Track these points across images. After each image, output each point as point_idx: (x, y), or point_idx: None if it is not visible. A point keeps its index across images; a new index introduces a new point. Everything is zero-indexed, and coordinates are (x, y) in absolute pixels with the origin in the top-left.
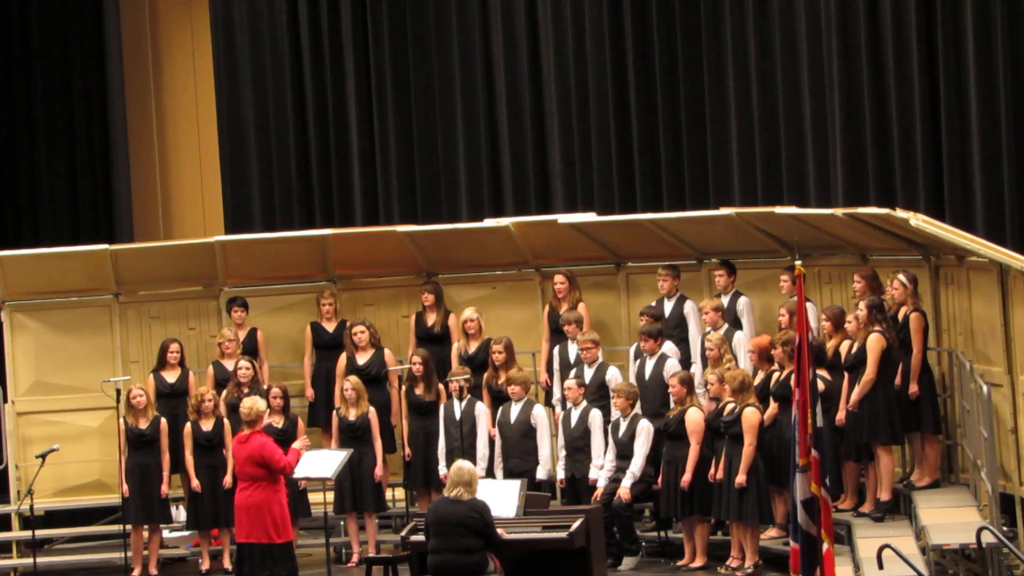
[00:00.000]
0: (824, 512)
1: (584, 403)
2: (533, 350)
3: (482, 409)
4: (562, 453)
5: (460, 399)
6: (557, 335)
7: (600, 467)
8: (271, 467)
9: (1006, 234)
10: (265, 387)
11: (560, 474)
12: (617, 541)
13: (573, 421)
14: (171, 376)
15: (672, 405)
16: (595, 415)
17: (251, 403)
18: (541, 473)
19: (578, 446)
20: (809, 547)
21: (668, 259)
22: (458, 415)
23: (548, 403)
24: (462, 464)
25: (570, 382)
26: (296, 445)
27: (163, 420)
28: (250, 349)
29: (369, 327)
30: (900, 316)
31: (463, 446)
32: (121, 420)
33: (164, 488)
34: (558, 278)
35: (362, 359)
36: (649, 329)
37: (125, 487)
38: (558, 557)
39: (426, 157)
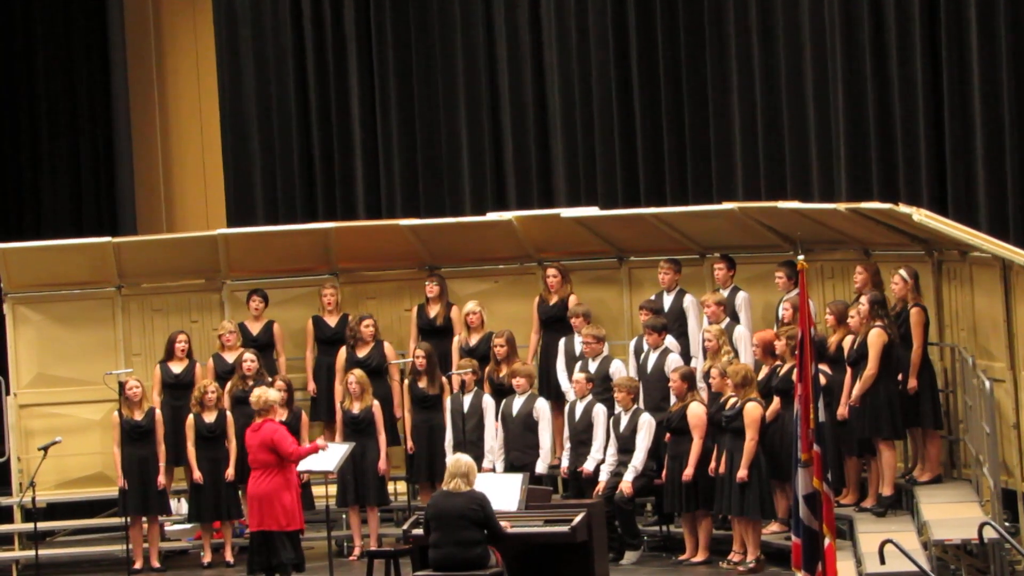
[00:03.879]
0: (826, 507)
1: (589, 397)
2: None
3: (489, 402)
4: (567, 445)
5: (465, 392)
6: (546, 327)
7: (600, 461)
8: (278, 451)
9: (1009, 229)
10: (269, 379)
11: (564, 464)
12: (619, 535)
13: (578, 414)
14: (177, 367)
15: (673, 400)
16: (599, 409)
17: (260, 392)
18: (541, 467)
19: (582, 439)
20: (811, 542)
21: (670, 253)
22: (465, 408)
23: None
24: (459, 456)
25: (578, 375)
26: (318, 442)
27: (158, 412)
28: (266, 341)
29: (375, 322)
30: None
31: (470, 439)
32: (115, 413)
33: (161, 479)
34: (551, 271)
35: (362, 352)
36: (653, 323)
37: (122, 479)
38: (560, 551)
39: (429, 150)
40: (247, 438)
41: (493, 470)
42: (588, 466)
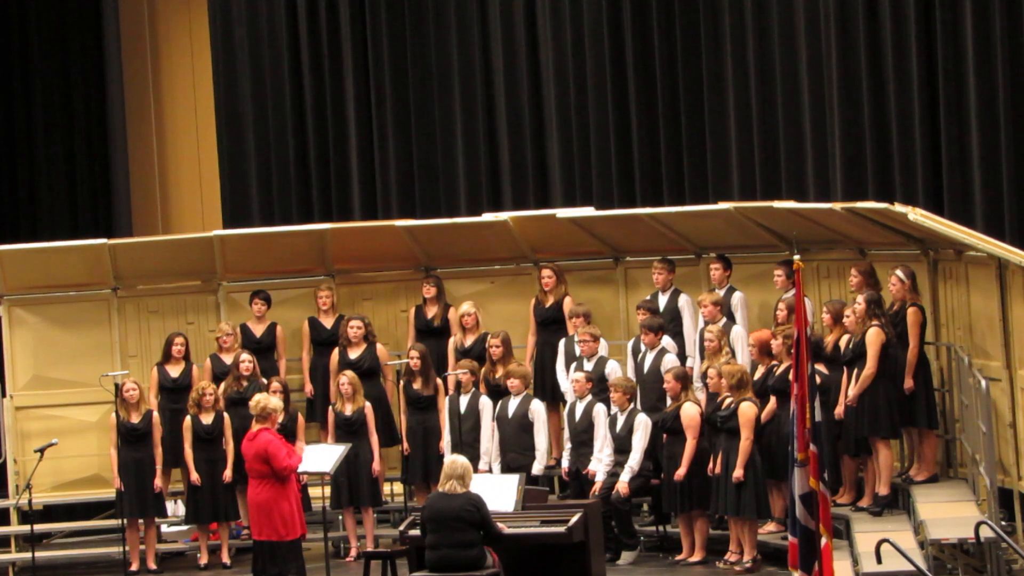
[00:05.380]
0: (822, 506)
1: (589, 397)
2: None
3: (486, 403)
4: (567, 446)
5: (464, 393)
6: (542, 328)
7: (600, 460)
8: (271, 465)
9: (1004, 228)
10: (263, 381)
11: (564, 464)
12: (615, 535)
13: (578, 415)
14: (175, 370)
15: (668, 401)
16: (599, 409)
17: (262, 398)
18: (537, 468)
19: (583, 440)
20: (807, 541)
21: (666, 254)
22: (463, 409)
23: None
24: (455, 458)
25: (578, 375)
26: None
27: (155, 414)
28: (269, 343)
29: (366, 323)
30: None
31: (467, 440)
32: (112, 415)
33: (157, 482)
34: (545, 272)
35: (354, 354)
36: (650, 323)
37: (118, 481)
38: (556, 552)
39: (424, 151)
40: (243, 446)
41: (489, 471)
42: (593, 467)
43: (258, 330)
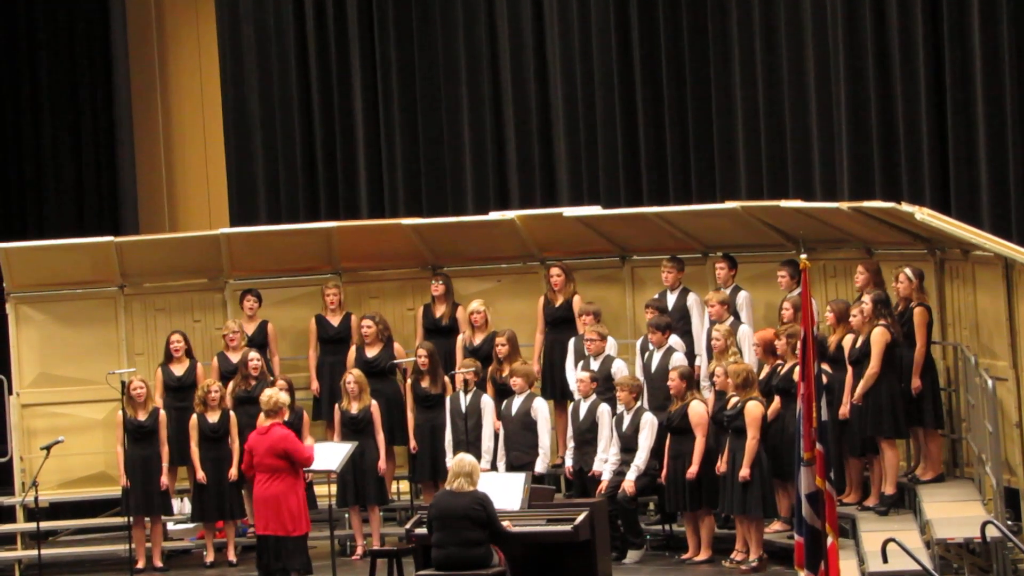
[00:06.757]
0: (828, 506)
1: (594, 396)
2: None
3: (487, 401)
4: (571, 444)
5: (466, 392)
6: (552, 327)
7: (605, 460)
8: (294, 458)
9: (1011, 228)
10: (271, 379)
11: (568, 463)
12: (622, 534)
13: (582, 414)
14: (179, 369)
15: (673, 400)
16: (604, 409)
17: (273, 393)
18: (540, 466)
19: (586, 439)
20: (813, 541)
21: (673, 252)
22: (464, 408)
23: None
24: (463, 456)
25: (583, 374)
26: (307, 442)
27: (162, 412)
28: (260, 341)
29: (378, 322)
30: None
31: (469, 439)
32: (119, 412)
33: (163, 480)
34: (554, 271)
35: (371, 352)
36: (658, 322)
37: (124, 479)
38: (562, 550)
39: (431, 149)
40: (253, 441)
41: (490, 469)
42: (598, 467)
43: (249, 328)
